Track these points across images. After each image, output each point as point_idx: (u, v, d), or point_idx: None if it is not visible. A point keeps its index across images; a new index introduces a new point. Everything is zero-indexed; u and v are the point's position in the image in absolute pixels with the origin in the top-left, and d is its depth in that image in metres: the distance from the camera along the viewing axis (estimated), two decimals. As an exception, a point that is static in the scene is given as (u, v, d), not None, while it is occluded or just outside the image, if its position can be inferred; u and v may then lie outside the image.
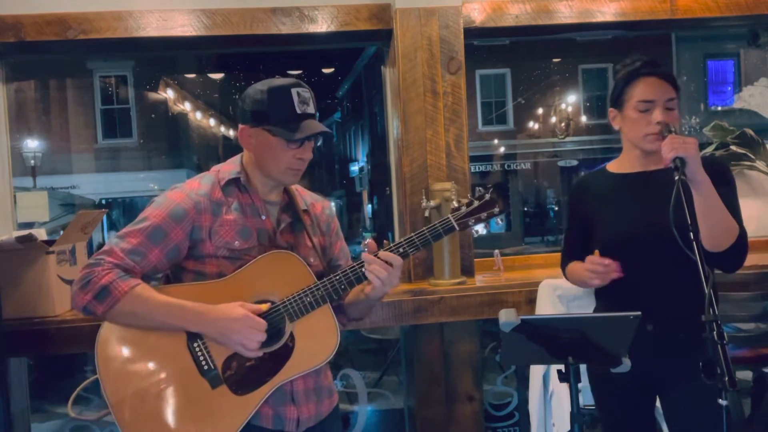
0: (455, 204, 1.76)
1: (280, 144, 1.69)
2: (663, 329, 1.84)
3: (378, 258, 1.66)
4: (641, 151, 1.92)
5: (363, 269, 1.67)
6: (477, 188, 1.76)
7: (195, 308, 1.61)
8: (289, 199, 1.82)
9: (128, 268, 1.62)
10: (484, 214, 1.73)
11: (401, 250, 1.69)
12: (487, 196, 1.74)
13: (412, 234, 1.71)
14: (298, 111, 1.68)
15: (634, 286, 1.88)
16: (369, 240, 1.74)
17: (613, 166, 2.03)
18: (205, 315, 1.61)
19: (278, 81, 1.71)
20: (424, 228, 1.72)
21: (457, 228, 1.72)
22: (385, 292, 1.71)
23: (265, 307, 1.65)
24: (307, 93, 1.71)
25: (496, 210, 1.73)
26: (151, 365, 1.63)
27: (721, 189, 1.73)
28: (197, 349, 1.64)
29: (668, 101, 1.85)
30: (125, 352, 1.64)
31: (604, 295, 2.02)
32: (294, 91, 1.68)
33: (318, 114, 1.76)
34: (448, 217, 1.73)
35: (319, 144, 1.78)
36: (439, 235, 1.71)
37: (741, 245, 1.77)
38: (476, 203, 1.73)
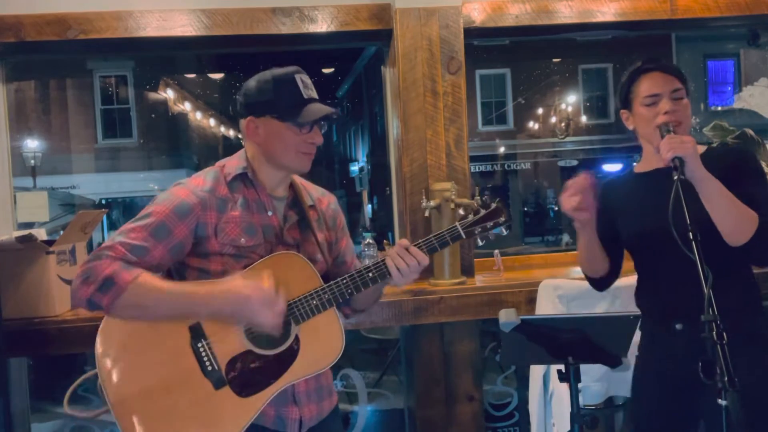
0: (461, 212, 1.79)
1: (290, 130, 1.68)
2: (692, 328, 1.79)
3: (408, 252, 1.67)
4: (654, 148, 1.92)
5: (371, 274, 1.67)
6: (484, 195, 1.75)
7: (199, 290, 1.58)
8: (294, 194, 1.80)
9: (130, 263, 1.57)
10: (490, 224, 1.73)
11: None
12: (494, 205, 1.74)
13: (420, 240, 1.71)
14: (305, 96, 1.68)
15: (658, 284, 1.89)
16: (403, 240, 1.74)
17: (637, 166, 2.05)
18: (213, 293, 1.56)
19: (280, 69, 1.71)
20: (431, 236, 1.72)
21: (464, 236, 1.72)
22: (401, 285, 1.71)
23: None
24: (308, 79, 1.72)
25: (502, 219, 1.73)
26: (153, 365, 1.60)
27: (744, 179, 1.74)
28: (201, 348, 1.61)
29: (674, 92, 1.85)
30: (126, 350, 1.61)
31: (639, 296, 2.00)
32: (298, 77, 1.69)
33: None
34: (456, 226, 1.72)
35: (324, 130, 1.77)
36: (446, 243, 1.72)
37: (764, 234, 1.72)
38: (483, 212, 1.73)
